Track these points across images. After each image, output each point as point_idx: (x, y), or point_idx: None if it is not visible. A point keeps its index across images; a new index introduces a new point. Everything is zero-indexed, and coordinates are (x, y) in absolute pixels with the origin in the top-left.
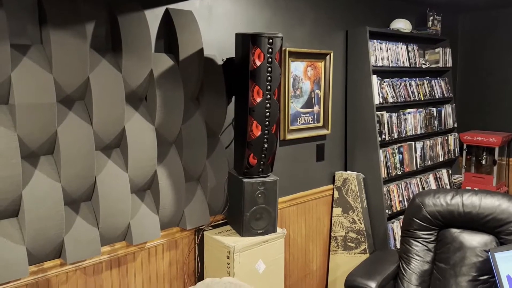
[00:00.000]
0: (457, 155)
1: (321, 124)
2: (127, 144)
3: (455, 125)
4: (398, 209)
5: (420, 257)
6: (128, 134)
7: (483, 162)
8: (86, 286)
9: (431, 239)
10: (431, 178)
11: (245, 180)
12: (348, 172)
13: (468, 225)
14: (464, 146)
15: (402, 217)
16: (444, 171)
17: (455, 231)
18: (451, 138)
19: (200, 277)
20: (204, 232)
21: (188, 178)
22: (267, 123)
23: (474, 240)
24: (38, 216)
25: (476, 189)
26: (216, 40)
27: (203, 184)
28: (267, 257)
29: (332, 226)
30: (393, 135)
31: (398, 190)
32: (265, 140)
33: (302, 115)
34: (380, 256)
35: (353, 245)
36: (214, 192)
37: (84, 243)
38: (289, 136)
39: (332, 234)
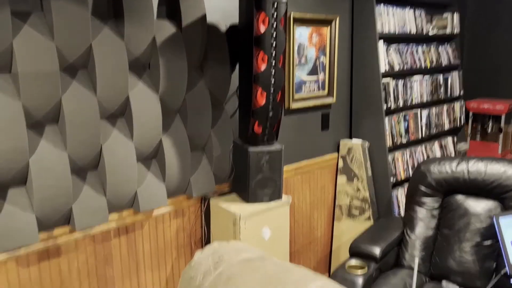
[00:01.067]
0: (462, 123)
1: (326, 92)
2: (131, 113)
3: (461, 93)
4: (403, 177)
5: (424, 224)
6: (132, 103)
7: (489, 130)
8: (95, 253)
9: (435, 206)
10: (436, 146)
11: (250, 148)
12: (353, 140)
13: (473, 192)
14: (470, 114)
15: (406, 184)
16: (449, 139)
17: (460, 197)
18: (457, 106)
19: (207, 244)
20: (210, 200)
21: (193, 147)
22: (272, 90)
23: (478, 206)
24: (45, 184)
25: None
26: (219, 6)
27: (208, 153)
28: (273, 223)
29: (337, 194)
30: (399, 103)
31: (403, 158)
32: (270, 108)
33: (307, 83)
34: (384, 223)
35: (357, 212)
36: (220, 161)
37: (92, 211)
38: (294, 105)
39: (336, 202)
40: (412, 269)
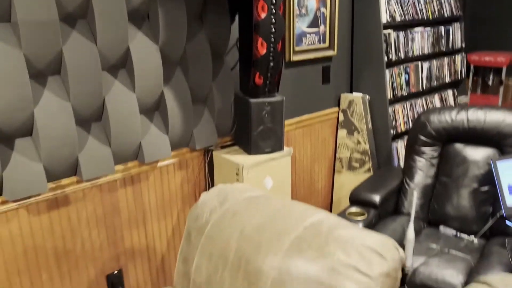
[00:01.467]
0: (463, 76)
1: (327, 45)
2: (132, 64)
3: (463, 45)
4: (403, 129)
5: (423, 172)
6: (133, 54)
7: (490, 83)
8: (103, 203)
9: (434, 155)
10: (436, 98)
11: (252, 100)
12: (354, 94)
13: (472, 140)
14: (471, 67)
15: (406, 137)
16: (449, 92)
17: (458, 146)
18: (458, 58)
19: None
20: (213, 152)
21: (195, 100)
22: (272, 40)
23: (477, 153)
24: (51, 135)
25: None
26: None
27: (210, 106)
28: (275, 174)
29: (337, 148)
30: (399, 54)
31: (403, 111)
32: (271, 58)
33: (308, 35)
34: (384, 172)
35: (357, 165)
36: (221, 114)
37: (98, 161)
38: (295, 58)
39: (337, 155)
40: (409, 215)
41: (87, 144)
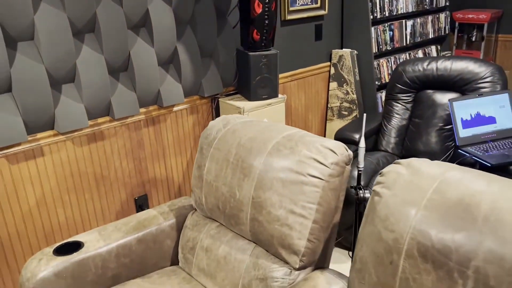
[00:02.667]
0: (447, 32)
1: (318, 5)
2: (151, 23)
3: (447, 3)
4: (387, 80)
5: (399, 115)
6: (151, 15)
7: (473, 39)
8: (130, 139)
9: (409, 100)
10: (420, 53)
11: (251, 53)
12: (343, 49)
13: (440, 86)
14: (456, 24)
15: None
16: (433, 47)
17: (429, 92)
18: (442, 16)
19: None
20: (219, 99)
21: (203, 54)
22: (267, 0)
23: (444, 98)
24: (89, 81)
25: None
26: None
27: (216, 60)
28: (271, 117)
29: (329, 98)
30: (384, 13)
31: (388, 64)
32: (266, 16)
33: None
34: (366, 117)
35: (346, 113)
36: (226, 66)
37: (126, 104)
38: (289, 17)
39: (328, 105)
40: (387, 151)
41: (117, 89)
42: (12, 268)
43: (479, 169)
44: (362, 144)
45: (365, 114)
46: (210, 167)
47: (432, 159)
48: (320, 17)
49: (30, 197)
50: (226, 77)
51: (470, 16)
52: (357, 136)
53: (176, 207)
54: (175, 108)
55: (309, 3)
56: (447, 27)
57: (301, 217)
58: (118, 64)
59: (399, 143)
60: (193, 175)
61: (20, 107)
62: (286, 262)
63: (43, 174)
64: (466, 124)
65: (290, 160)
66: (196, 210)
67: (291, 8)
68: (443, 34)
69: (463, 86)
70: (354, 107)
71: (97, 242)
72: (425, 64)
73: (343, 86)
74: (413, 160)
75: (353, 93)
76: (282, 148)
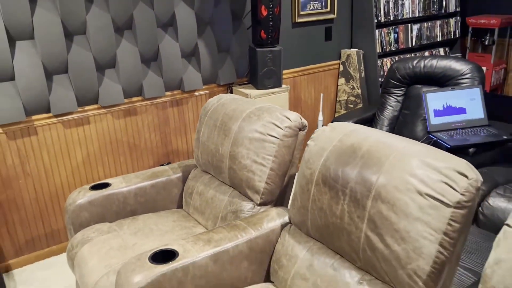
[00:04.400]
0: (457, 36)
1: (328, 9)
2: (177, 23)
3: (458, 9)
4: None
5: (391, 107)
6: (177, 16)
7: (486, 43)
8: (158, 116)
9: (401, 94)
10: (426, 54)
11: (258, 49)
12: (351, 49)
13: (427, 82)
14: (470, 28)
15: None
16: (441, 50)
17: (417, 86)
18: (451, 20)
19: None
20: (233, 87)
21: (220, 49)
22: (271, 6)
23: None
24: (126, 67)
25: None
26: None
27: (231, 54)
28: (275, 104)
29: (338, 93)
30: (389, 17)
31: (391, 63)
32: (270, 19)
33: (311, 2)
34: (363, 107)
35: (352, 106)
36: (239, 60)
37: (155, 87)
38: (300, 19)
39: (337, 99)
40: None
41: (148, 75)
42: (64, 209)
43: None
44: (320, 117)
45: (322, 94)
46: (204, 131)
47: None
48: (330, 20)
49: (78, 155)
50: (240, 69)
51: (482, 21)
52: (349, 122)
53: (183, 165)
54: (195, 93)
55: (319, 8)
56: (457, 31)
57: (261, 165)
58: (149, 55)
59: (390, 131)
60: (195, 138)
61: (73, 85)
62: (251, 200)
63: (89, 139)
64: (438, 113)
65: (257, 124)
66: (196, 166)
67: (301, 12)
68: (452, 37)
69: (446, 82)
70: (359, 100)
71: (121, 184)
72: (415, 62)
73: (349, 82)
74: (336, 123)
75: (358, 88)
76: (252, 116)
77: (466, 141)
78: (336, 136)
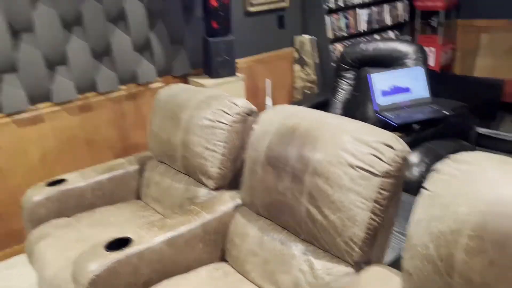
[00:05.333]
0: (406, 19)
1: None
2: (127, 17)
3: None
4: None
5: (344, 91)
6: (127, 10)
7: (433, 24)
8: (114, 111)
9: (351, 78)
10: (377, 38)
11: (211, 39)
12: (304, 36)
13: (375, 64)
14: (418, 11)
15: None
16: (390, 33)
17: (367, 69)
18: (399, 4)
19: None
20: (189, 78)
21: (173, 41)
22: None
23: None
24: (77, 63)
25: (381, 38)
26: None
27: (185, 46)
28: (230, 93)
29: (294, 79)
30: (338, 3)
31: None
32: (221, 9)
33: None
34: (318, 93)
35: (308, 92)
36: (193, 51)
37: (108, 81)
38: (252, 9)
39: (293, 85)
40: None
41: (101, 70)
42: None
43: (391, 128)
44: (267, 102)
45: (267, 80)
46: (156, 122)
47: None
48: (282, 9)
49: (35, 154)
50: (194, 60)
51: (429, 4)
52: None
53: (140, 157)
54: (151, 86)
55: None
56: (405, 14)
57: (213, 152)
58: (101, 50)
59: (343, 114)
60: (149, 130)
61: (24, 83)
62: (206, 185)
63: (45, 137)
64: (385, 93)
65: (206, 111)
66: (152, 157)
67: (253, 2)
68: (402, 21)
69: (392, 63)
70: (315, 86)
71: (77, 179)
72: (363, 46)
73: (305, 68)
74: (279, 106)
75: (313, 75)
76: (202, 104)
77: (411, 118)
78: (278, 119)
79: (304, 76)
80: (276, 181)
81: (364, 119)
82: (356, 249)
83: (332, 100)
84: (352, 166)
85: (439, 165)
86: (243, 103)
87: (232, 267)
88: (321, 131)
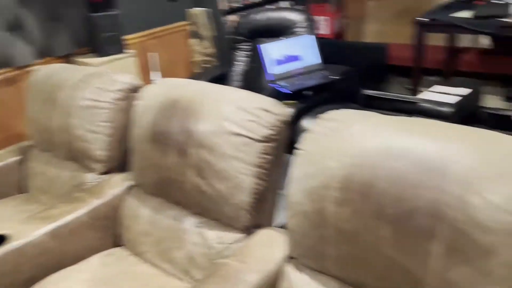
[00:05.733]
0: None
1: None
2: None
3: None
4: None
5: (241, 63)
6: None
7: None
8: None
9: (248, 49)
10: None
11: (94, 14)
12: (197, 8)
13: (269, 35)
14: None
15: None
16: (286, 3)
17: (261, 40)
18: None
19: None
20: (73, 58)
21: (51, 18)
22: None
23: None
24: None
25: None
26: None
27: (65, 23)
28: (121, 70)
29: (191, 54)
30: None
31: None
32: None
33: None
34: (216, 66)
35: (208, 65)
36: (76, 29)
37: None
38: None
39: (191, 60)
40: None
41: None
42: None
43: (285, 96)
44: (153, 77)
45: (151, 54)
46: (32, 107)
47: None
48: None
49: None
50: (79, 38)
51: None
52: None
53: (20, 147)
54: (31, 69)
55: None
56: None
57: (97, 134)
58: None
59: (242, 86)
60: (27, 116)
61: None
62: (94, 170)
63: None
64: (278, 62)
65: (85, 91)
66: (35, 146)
67: None
68: None
69: (284, 32)
70: (213, 59)
71: None
72: (256, 16)
73: (202, 42)
74: (168, 79)
75: (211, 48)
76: (80, 83)
77: (303, 85)
78: (161, 93)
79: (202, 50)
80: (162, 157)
81: (262, 89)
82: (244, 214)
83: (230, 73)
84: (233, 134)
85: (310, 125)
86: (126, 79)
87: (128, 251)
88: (202, 102)
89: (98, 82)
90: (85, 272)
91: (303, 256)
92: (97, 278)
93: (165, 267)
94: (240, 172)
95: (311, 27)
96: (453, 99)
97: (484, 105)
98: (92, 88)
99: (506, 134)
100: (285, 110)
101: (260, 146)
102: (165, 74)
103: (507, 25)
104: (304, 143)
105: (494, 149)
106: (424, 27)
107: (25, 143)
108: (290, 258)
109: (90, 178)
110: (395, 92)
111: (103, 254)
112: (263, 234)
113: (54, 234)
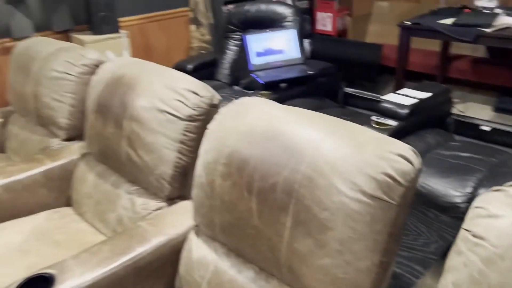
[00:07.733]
0: None
1: None
2: None
3: None
4: None
5: (231, 52)
6: None
7: None
8: None
9: (238, 39)
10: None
11: None
12: None
13: (258, 26)
14: None
15: None
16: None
17: (251, 30)
18: None
19: None
20: (70, 34)
21: None
22: None
23: None
24: None
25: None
26: None
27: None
28: (114, 50)
29: (190, 39)
30: None
31: None
32: None
33: None
34: (207, 53)
35: (204, 52)
36: (77, 5)
37: None
38: None
39: (190, 45)
40: (220, 81)
41: None
42: None
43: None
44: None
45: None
46: (14, 77)
47: (251, 87)
48: None
49: None
50: (77, 15)
51: None
52: (190, 66)
53: (5, 111)
54: None
55: None
56: None
57: (61, 103)
58: None
59: (230, 74)
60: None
61: None
62: (58, 136)
63: None
64: (260, 54)
65: (54, 63)
66: (14, 111)
67: None
68: None
69: (272, 25)
70: (209, 46)
71: None
72: (247, 8)
73: (200, 29)
74: (124, 57)
75: (208, 35)
76: (50, 56)
77: (278, 77)
78: (112, 69)
79: (199, 36)
80: (103, 127)
81: (246, 77)
82: (166, 185)
83: (220, 60)
84: (160, 111)
85: (222, 109)
86: (92, 55)
87: (73, 210)
88: (141, 79)
89: (67, 56)
90: (29, 223)
91: (201, 224)
92: (37, 229)
93: (98, 226)
94: (164, 146)
95: (298, 22)
96: (410, 102)
97: (458, 112)
98: (61, 61)
99: (474, 142)
100: (212, 94)
101: (184, 124)
102: (162, 58)
103: (484, 35)
104: (212, 123)
105: (350, 141)
106: (407, 31)
107: (10, 107)
108: (195, 226)
109: (55, 143)
110: (377, 92)
111: (52, 211)
112: (181, 204)
113: (8, 187)
